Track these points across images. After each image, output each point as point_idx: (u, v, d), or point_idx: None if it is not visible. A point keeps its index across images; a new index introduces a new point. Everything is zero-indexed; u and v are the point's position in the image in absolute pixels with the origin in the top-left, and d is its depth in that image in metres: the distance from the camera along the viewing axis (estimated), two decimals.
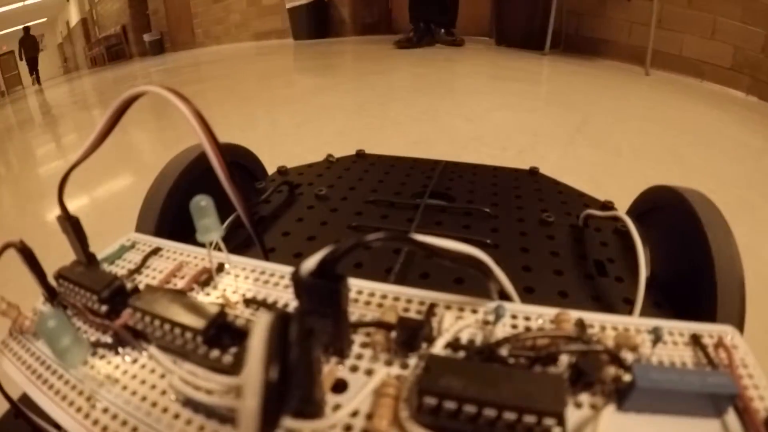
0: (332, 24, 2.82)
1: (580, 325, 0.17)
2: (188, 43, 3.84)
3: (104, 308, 0.17)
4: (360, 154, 0.47)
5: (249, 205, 0.22)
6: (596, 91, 1.29)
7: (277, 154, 0.75)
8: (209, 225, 0.19)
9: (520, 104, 1.16)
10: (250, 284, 0.19)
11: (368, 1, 2.72)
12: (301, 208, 0.36)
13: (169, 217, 0.32)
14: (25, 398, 0.17)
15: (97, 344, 0.17)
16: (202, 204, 0.18)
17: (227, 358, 0.14)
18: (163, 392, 0.15)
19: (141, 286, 0.19)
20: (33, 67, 3.65)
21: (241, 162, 0.42)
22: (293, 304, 0.18)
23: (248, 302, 0.18)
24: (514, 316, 0.17)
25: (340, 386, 0.15)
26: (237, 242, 0.31)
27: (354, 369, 0.15)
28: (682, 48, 1.48)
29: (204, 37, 3.74)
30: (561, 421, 0.12)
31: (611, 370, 0.14)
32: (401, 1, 2.44)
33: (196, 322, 0.15)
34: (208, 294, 0.19)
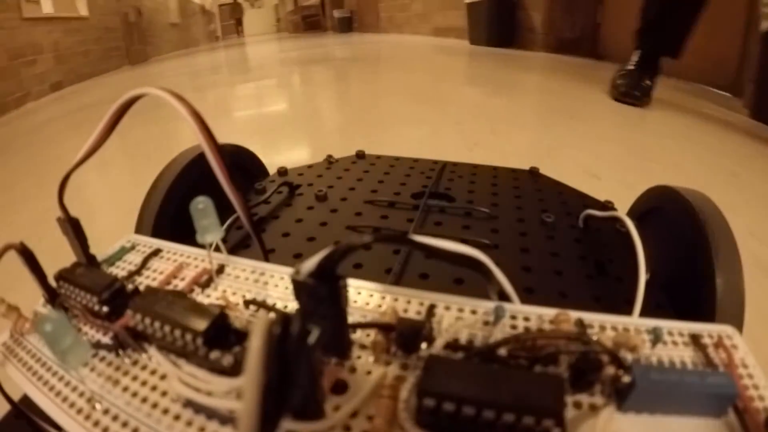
0: (518, 31, 2.22)
1: (580, 325, 0.17)
2: (373, 26, 3.96)
3: (105, 310, 0.17)
4: (360, 155, 0.47)
5: (249, 206, 0.22)
6: None
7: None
8: (209, 226, 0.19)
9: None
10: (250, 285, 0.19)
11: (570, 8, 1.95)
12: (301, 208, 0.36)
13: (169, 219, 0.32)
14: (26, 399, 0.17)
15: (97, 346, 0.17)
16: (201, 205, 0.18)
17: (227, 360, 0.14)
18: (164, 394, 0.15)
19: (141, 288, 0.19)
20: (237, 26, 5.69)
21: (241, 162, 0.42)
22: (293, 305, 0.18)
23: (248, 303, 0.18)
24: (513, 317, 0.17)
25: (340, 387, 0.15)
26: (237, 243, 0.31)
27: (354, 369, 0.15)
28: None
29: (387, 23, 3.77)
30: (560, 422, 0.12)
31: (611, 370, 0.14)
32: (616, 14, 1.77)
33: (197, 323, 0.15)
34: (208, 295, 0.19)
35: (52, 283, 0.19)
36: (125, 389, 0.15)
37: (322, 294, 0.14)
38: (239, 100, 1.69)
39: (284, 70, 2.34)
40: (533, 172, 0.43)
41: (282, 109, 1.51)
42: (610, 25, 1.84)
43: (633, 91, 1.12)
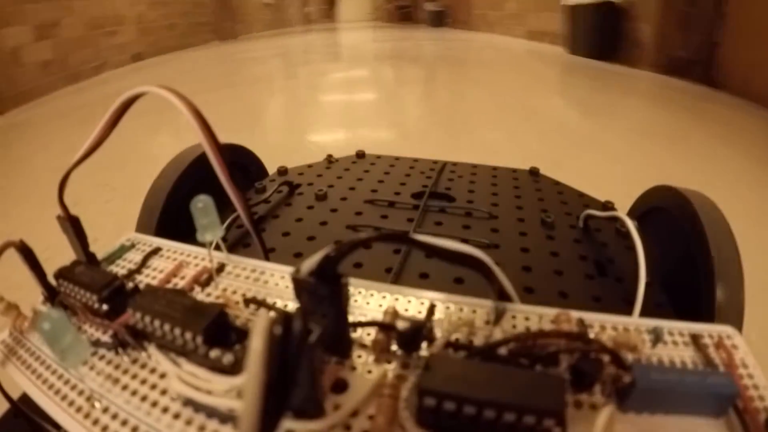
0: (623, 44, 1.92)
1: (581, 325, 0.17)
2: (465, 23, 3.82)
3: (104, 308, 0.17)
4: (360, 154, 0.47)
5: (249, 205, 0.22)
6: None
7: None
8: (209, 225, 0.19)
9: None
10: (251, 284, 0.19)
11: (686, 22, 1.65)
12: (301, 208, 0.36)
13: (170, 217, 0.32)
14: (25, 398, 0.17)
15: (97, 344, 0.17)
16: (201, 204, 0.18)
17: (227, 358, 0.14)
18: (164, 392, 0.15)
19: (141, 286, 0.19)
20: (332, 10, 5.46)
21: (241, 162, 0.42)
22: (293, 304, 0.18)
23: (248, 302, 0.18)
24: (514, 317, 0.17)
25: (340, 386, 0.15)
26: (237, 242, 0.31)
27: (354, 368, 0.15)
28: None
29: (480, 21, 3.60)
30: (561, 422, 0.12)
31: (611, 370, 0.14)
32: (740, 33, 1.43)
33: (197, 321, 0.15)
34: (208, 294, 0.19)
35: (52, 281, 0.19)
36: (125, 388, 0.15)
37: (322, 293, 0.14)
38: (329, 88, 1.72)
39: (374, 62, 2.31)
40: (533, 172, 0.43)
41: (369, 102, 1.52)
42: (732, 46, 1.49)
43: None
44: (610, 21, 1.91)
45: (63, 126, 1.36)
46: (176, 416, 0.14)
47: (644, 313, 0.23)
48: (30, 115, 1.62)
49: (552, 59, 2.12)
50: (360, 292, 0.18)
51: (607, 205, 0.36)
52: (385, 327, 0.16)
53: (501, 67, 2.02)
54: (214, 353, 0.15)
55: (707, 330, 0.17)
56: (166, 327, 0.15)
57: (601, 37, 1.96)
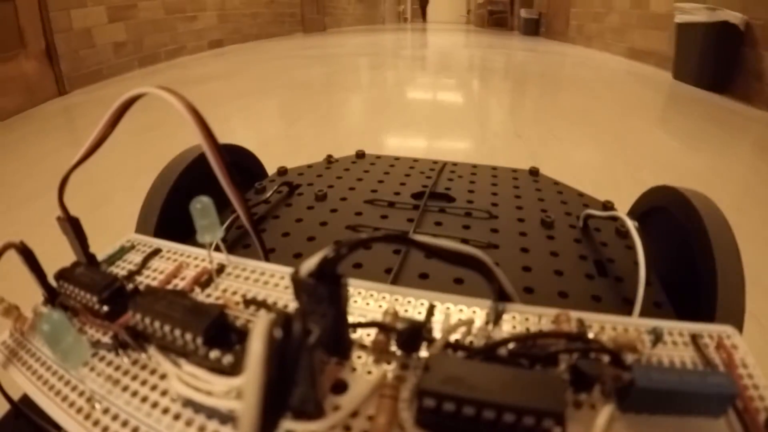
0: (740, 74, 1.56)
1: (580, 325, 0.17)
2: (560, 33, 3.55)
3: (104, 309, 0.17)
4: (360, 154, 0.47)
5: (249, 205, 0.22)
6: None
7: None
8: (209, 226, 0.19)
9: None
10: (250, 285, 0.19)
11: None
12: (301, 208, 0.36)
13: (169, 218, 0.32)
14: (26, 399, 0.17)
15: (97, 345, 0.17)
16: (201, 205, 0.18)
17: (227, 359, 0.14)
18: (164, 393, 0.15)
19: (141, 287, 0.19)
20: (423, 10, 5.62)
21: (241, 162, 0.42)
22: (293, 305, 0.18)
23: (248, 303, 0.18)
24: (514, 317, 0.17)
25: (340, 386, 0.15)
26: (237, 243, 0.31)
27: (354, 369, 0.15)
28: None
29: (576, 33, 3.30)
30: (560, 422, 0.12)
31: (611, 370, 0.14)
32: None
33: (197, 323, 0.15)
34: (208, 295, 0.19)
35: (52, 282, 0.19)
36: (125, 389, 0.15)
37: (322, 293, 0.14)
38: (411, 99, 1.68)
39: (463, 72, 2.24)
40: (533, 172, 0.43)
41: (453, 115, 1.49)
42: None
43: None
44: (725, 44, 1.55)
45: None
46: (176, 417, 0.14)
47: (644, 313, 0.23)
48: (101, 94, 1.66)
49: (654, 84, 1.87)
50: (360, 293, 0.18)
51: (607, 205, 0.36)
52: (385, 327, 0.16)
53: (596, 89, 1.82)
54: (214, 354, 0.15)
55: (707, 330, 0.17)
56: (167, 328, 0.15)
57: (714, 63, 1.62)
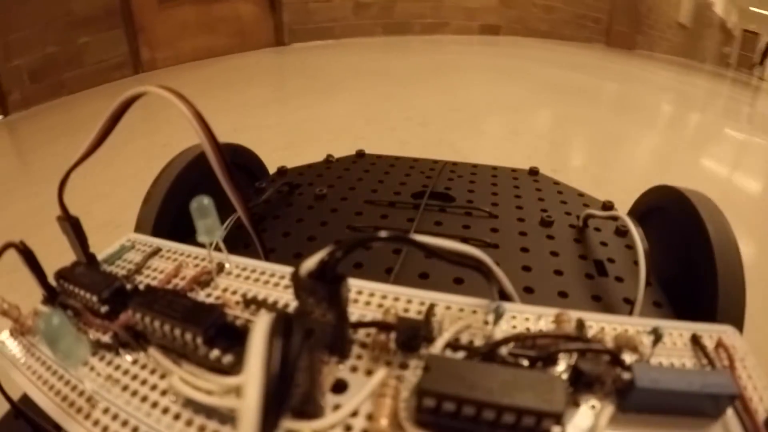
0: None
1: (580, 325, 0.17)
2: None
3: (104, 309, 0.17)
4: (360, 154, 0.47)
5: (249, 205, 0.22)
6: None
7: None
8: (209, 225, 0.19)
9: None
10: (250, 284, 0.19)
11: None
12: (301, 208, 0.36)
13: (169, 218, 0.32)
14: (26, 399, 0.17)
15: (97, 345, 0.17)
16: (201, 204, 0.18)
17: (227, 359, 0.14)
18: (164, 393, 0.15)
19: (141, 287, 0.19)
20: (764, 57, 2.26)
21: (242, 162, 0.42)
22: (293, 305, 0.18)
23: (248, 303, 0.18)
24: (514, 316, 0.17)
25: (340, 386, 0.15)
26: (237, 242, 0.31)
27: (354, 369, 0.15)
28: None
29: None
30: (560, 422, 0.12)
31: (611, 370, 0.14)
32: None
33: (197, 322, 0.15)
34: (208, 294, 0.19)
35: (52, 282, 0.19)
36: (125, 388, 0.15)
37: (322, 293, 0.14)
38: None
39: None
40: (533, 172, 0.43)
41: None
42: None
43: None
44: None
45: (341, 70, 1.28)
46: (176, 417, 0.14)
47: (644, 312, 0.23)
48: (323, 52, 1.50)
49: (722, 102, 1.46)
50: (360, 293, 0.18)
51: (607, 205, 0.36)
52: (385, 327, 0.16)
53: (658, 132, 1.33)
54: (214, 354, 0.15)
55: (707, 330, 0.17)
56: (166, 328, 0.15)
57: None
